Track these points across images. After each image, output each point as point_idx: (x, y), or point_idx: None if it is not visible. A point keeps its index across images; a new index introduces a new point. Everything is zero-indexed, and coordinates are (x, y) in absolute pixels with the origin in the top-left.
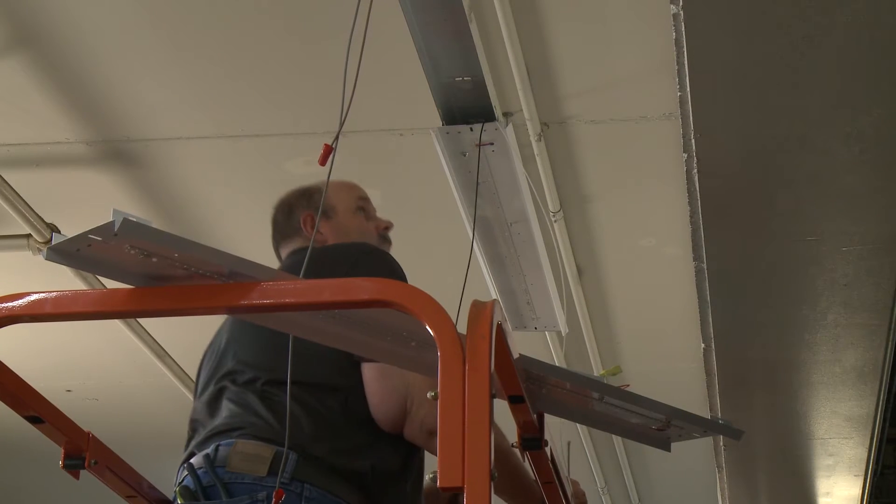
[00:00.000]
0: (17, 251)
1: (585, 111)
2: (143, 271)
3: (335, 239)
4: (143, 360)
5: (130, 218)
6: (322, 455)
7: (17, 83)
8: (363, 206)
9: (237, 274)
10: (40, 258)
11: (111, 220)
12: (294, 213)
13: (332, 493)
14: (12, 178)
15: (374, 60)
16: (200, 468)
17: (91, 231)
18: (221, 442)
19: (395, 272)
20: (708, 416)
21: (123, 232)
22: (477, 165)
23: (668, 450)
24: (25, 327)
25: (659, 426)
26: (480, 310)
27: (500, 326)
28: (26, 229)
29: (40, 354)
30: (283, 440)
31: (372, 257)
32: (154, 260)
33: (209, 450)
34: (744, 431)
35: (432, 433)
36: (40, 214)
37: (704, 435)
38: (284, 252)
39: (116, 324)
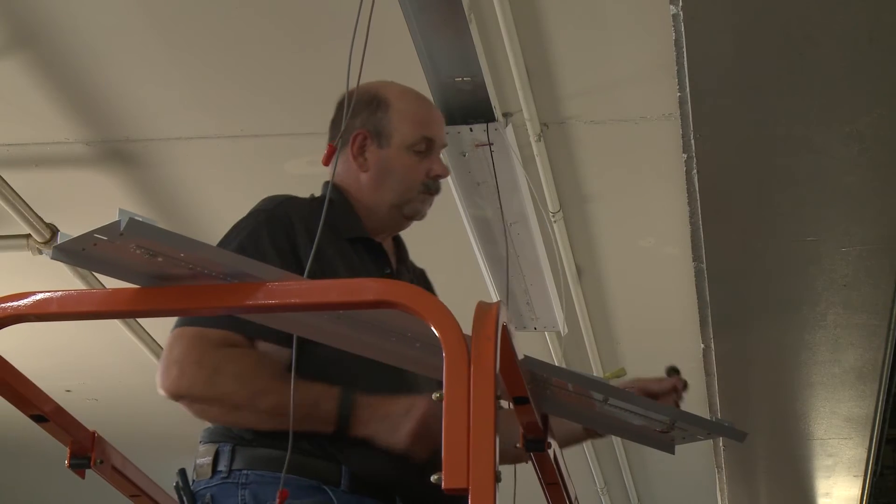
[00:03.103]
0: (17, 251)
1: (585, 111)
2: (148, 271)
3: (375, 173)
4: (143, 360)
5: (136, 217)
6: (251, 438)
7: (17, 83)
8: (425, 146)
9: (243, 274)
10: (40, 258)
11: (117, 219)
12: (355, 119)
13: (270, 470)
14: (12, 178)
15: (374, 60)
16: (180, 482)
17: (97, 230)
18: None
19: (239, 236)
20: (708, 416)
21: (129, 231)
22: (476, 166)
23: (672, 452)
24: (25, 327)
25: (662, 428)
26: (486, 311)
27: (505, 328)
28: (26, 229)
29: (40, 354)
30: (223, 435)
31: (240, 223)
32: (159, 260)
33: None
34: (747, 433)
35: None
36: (40, 214)
37: (708, 437)
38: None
39: (116, 324)
